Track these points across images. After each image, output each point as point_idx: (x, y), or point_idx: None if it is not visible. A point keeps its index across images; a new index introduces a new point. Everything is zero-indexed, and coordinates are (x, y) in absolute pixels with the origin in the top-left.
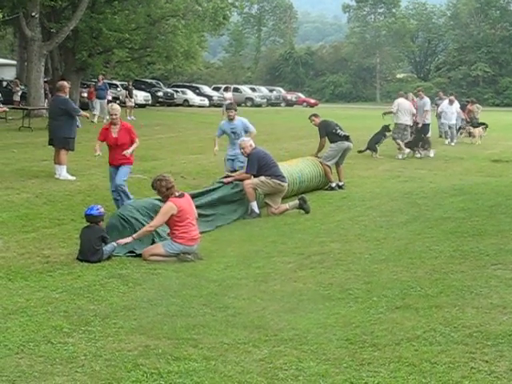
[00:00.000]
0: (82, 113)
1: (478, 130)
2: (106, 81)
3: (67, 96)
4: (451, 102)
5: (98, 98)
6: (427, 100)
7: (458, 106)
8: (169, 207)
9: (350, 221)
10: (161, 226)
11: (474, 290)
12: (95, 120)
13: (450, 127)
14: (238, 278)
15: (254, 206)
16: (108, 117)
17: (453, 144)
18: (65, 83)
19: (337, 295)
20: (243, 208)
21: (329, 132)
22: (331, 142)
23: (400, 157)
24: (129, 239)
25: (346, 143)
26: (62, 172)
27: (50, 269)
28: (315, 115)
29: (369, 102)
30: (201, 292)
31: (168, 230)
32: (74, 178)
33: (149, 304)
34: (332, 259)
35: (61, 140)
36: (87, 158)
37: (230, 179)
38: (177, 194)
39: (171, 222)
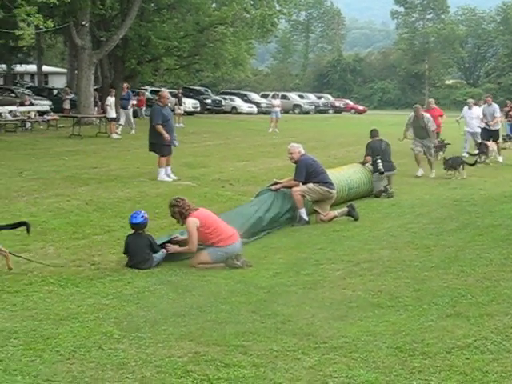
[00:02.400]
0: (157, 126)
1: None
2: (149, 87)
3: (164, 105)
4: (470, 107)
5: (122, 107)
6: (496, 106)
7: (480, 111)
8: (192, 223)
9: (399, 228)
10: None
11: None
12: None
13: (471, 134)
14: (286, 284)
15: (303, 212)
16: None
17: (465, 154)
18: (162, 93)
19: (386, 303)
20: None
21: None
22: (373, 171)
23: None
24: (176, 248)
25: (382, 181)
26: (159, 174)
27: (100, 275)
28: (372, 135)
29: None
30: (250, 299)
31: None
32: (170, 179)
33: (198, 311)
34: (381, 266)
35: (150, 145)
36: (136, 165)
37: (278, 186)
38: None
39: (202, 236)
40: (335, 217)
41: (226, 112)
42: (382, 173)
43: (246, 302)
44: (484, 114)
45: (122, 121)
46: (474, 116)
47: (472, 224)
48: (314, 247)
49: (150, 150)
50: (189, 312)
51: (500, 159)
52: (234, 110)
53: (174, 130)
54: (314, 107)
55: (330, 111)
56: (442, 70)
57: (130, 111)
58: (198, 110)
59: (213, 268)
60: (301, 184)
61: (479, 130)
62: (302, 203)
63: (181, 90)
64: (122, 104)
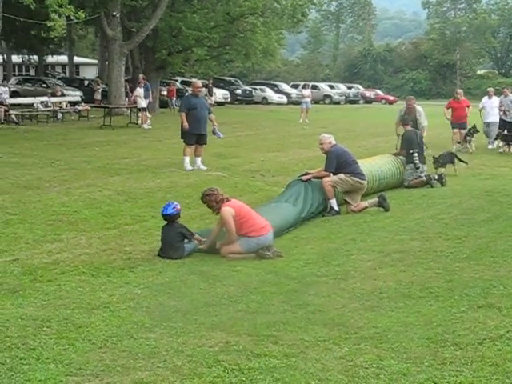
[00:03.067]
0: (180, 114)
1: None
2: (179, 78)
3: (195, 94)
4: (490, 96)
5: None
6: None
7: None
8: (227, 212)
9: (430, 219)
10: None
11: None
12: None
13: (488, 125)
14: (317, 275)
15: (334, 203)
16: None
17: (490, 147)
18: (193, 82)
19: (417, 293)
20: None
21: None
22: (407, 162)
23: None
24: (205, 240)
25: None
26: (183, 162)
27: (131, 265)
28: (404, 123)
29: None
30: (280, 289)
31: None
32: (191, 168)
33: (229, 301)
34: (412, 257)
35: (181, 133)
36: (167, 155)
37: (308, 176)
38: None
39: (236, 225)
40: (366, 207)
41: (256, 102)
42: (417, 167)
43: (276, 292)
44: (501, 105)
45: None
46: (494, 105)
47: (504, 215)
48: (345, 238)
49: (181, 138)
50: (219, 302)
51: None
52: (265, 101)
53: (206, 121)
54: (344, 97)
55: (361, 101)
56: (474, 60)
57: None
58: (229, 100)
59: (243, 258)
60: (331, 174)
61: (495, 120)
62: (332, 194)
63: (211, 81)
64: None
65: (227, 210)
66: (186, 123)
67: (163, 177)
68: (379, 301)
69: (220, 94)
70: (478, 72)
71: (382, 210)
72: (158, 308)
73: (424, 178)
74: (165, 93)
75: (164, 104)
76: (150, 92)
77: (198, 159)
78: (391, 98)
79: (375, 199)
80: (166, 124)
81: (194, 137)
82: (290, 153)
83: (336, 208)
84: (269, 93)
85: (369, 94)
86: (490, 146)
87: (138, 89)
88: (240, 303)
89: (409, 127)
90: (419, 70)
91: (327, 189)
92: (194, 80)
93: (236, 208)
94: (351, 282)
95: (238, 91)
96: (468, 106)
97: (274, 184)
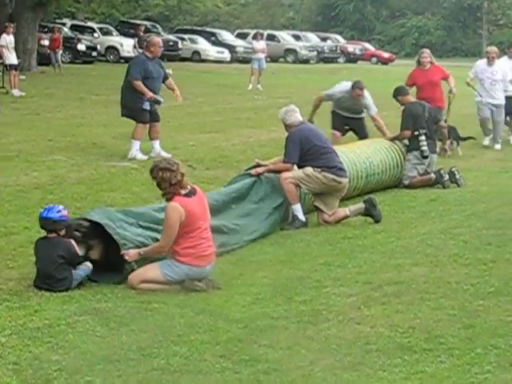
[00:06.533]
0: (136, 83)
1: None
2: (68, 21)
3: (153, 56)
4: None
5: None
6: None
7: None
8: (173, 211)
9: (441, 234)
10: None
11: None
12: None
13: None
14: (272, 317)
15: (298, 210)
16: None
17: (497, 146)
18: (151, 38)
19: (422, 345)
20: (278, 214)
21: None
22: (409, 148)
23: None
24: (134, 255)
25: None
26: (132, 148)
27: None
28: (402, 92)
29: (471, 57)
30: (217, 337)
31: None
32: (145, 157)
33: (140, 354)
34: (414, 291)
35: (123, 109)
36: (49, 136)
37: (260, 169)
38: (184, 191)
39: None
40: (346, 217)
41: (183, 59)
42: (425, 156)
43: (211, 341)
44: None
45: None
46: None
47: None
48: (315, 262)
49: (123, 115)
50: (125, 356)
51: None
52: (197, 57)
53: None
54: (315, 53)
55: (341, 59)
56: (509, 1)
57: None
58: None
59: (162, 290)
60: (294, 168)
61: None
62: (295, 196)
63: (143, 28)
64: None
65: (175, 208)
66: (150, 94)
67: (42, 168)
68: (365, 355)
69: (128, 45)
70: None
71: (370, 220)
72: (32, 365)
73: (433, 175)
74: (46, 43)
75: (45, 60)
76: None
77: (156, 142)
78: (386, 54)
79: (360, 205)
80: (47, 90)
81: (148, 114)
82: (234, 134)
83: (302, 217)
84: (203, 45)
85: (353, 48)
86: (497, 146)
87: (3, 36)
88: (156, 358)
89: (411, 98)
90: (427, 15)
91: (287, 189)
92: (151, 36)
93: (188, 210)
94: (323, 328)
95: None
96: (445, 78)
97: (210, 180)
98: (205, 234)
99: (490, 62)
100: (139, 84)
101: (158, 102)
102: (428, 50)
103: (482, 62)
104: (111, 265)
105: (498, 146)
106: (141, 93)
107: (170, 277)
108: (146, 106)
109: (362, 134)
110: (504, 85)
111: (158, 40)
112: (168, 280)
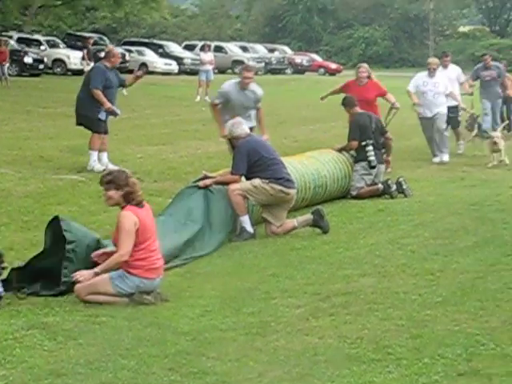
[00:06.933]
0: (95, 92)
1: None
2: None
3: (112, 67)
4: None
5: None
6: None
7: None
8: (130, 218)
9: (389, 244)
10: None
11: None
12: None
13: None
14: (221, 329)
15: (246, 222)
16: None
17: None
18: (111, 49)
19: (369, 355)
20: (227, 227)
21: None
22: (356, 159)
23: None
24: (88, 275)
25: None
26: (91, 159)
27: None
28: (349, 104)
29: (418, 67)
30: (165, 350)
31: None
32: (102, 168)
33: (87, 368)
34: (362, 302)
35: (78, 117)
36: None
37: (208, 182)
38: (135, 202)
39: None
40: (294, 228)
41: (130, 71)
42: (373, 166)
43: (159, 354)
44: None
45: None
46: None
47: (497, 239)
48: (263, 273)
49: (79, 124)
50: (73, 370)
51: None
52: (144, 68)
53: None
54: (263, 65)
55: (288, 71)
56: (454, 12)
57: None
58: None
59: (111, 303)
60: (242, 179)
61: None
62: (243, 208)
63: (91, 41)
64: None
65: (130, 217)
66: (108, 104)
67: None
68: (313, 366)
69: (76, 57)
70: (461, 29)
71: (318, 231)
72: None
73: (380, 186)
74: None
75: None
76: None
77: (104, 155)
78: (333, 65)
79: (308, 216)
80: None
81: (105, 124)
82: (182, 146)
83: (250, 229)
84: (150, 57)
85: (300, 59)
86: (445, 157)
87: None
88: (104, 372)
89: (358, 109)
90: (375, 26)
91: (235, 201)
92: (110, 46)
93: (140, 219)
94: (272, 339)
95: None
96: (381, 95)
97: (158, 193)
98: (153, 246)
99: (432, 73)
100: (99, 93)
101: (115, 114)
102: (366, 65)
103: (422, 75)
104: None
105: (445, 158)
106: (99, 102)
107: (120, 289)
108: (103, 116)
109: None
110: (447, 96)
111: (118, 51)
112: (118, 292)
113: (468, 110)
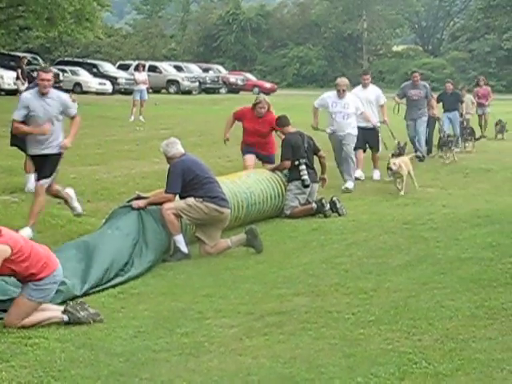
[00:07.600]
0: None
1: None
2: None
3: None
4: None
5: None
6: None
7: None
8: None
9: (322, 264)
10: None
11: (506, 366)
12: None
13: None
14: (154, 350)
15: (179, 241)
16: None
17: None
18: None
19: (303, 375)
20: (161, 248)
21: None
22: (290, 178)
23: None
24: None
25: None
26: (28, 182)
27: None
28: (282, 123)
29: (352, 86)
30: (98, 372)
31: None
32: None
33: None
34: (296, 321)
35: (12, 138)
36: None
37: (141, 203)
38: None
39: (17, 268)
40: (228, 248)
41: (65, 90)
42: (306, 185)
43: (92, 376)
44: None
45: None
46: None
47: (430, 257)
48: (196, 293)
49: (13, 145)
50: None
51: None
52: (78, 88)
53: None
54: (197, 84)
55: (223, 90)
56: (388, 31)
57: None
58: (24, 87)
59: (41, 324)
60: (176, 198)
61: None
62: (177, 227)
63: (25, 61)
64: None
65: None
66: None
67: None
68: None
69: (9, 77)
70: (395, 48)
71: (252, 250)
72: None
73: (314, 205)
74: None
75: None
76: None
77: (32, 176)
78: (267, 84)
79: (242, 235)
80: None
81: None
82: (116, 166)
83: (183, 249)
84: (84, 76)
85: (235, 79)
86: (349, 184)
87: None
88: None
89: (290, 128)
90: (309, 45)
91: (169, 219)
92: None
93: (12, 242)
94: (205, 360)
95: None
96: (275, 129)
97: (92, 213)
98: (35, 246)
99: (341, 95)
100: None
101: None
102: (265, 98)
103: (331, 94)
104: None
105: (350, 185)
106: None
107: (41, 298)
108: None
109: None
110: (359, 116)
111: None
112: (43, 301)
113: (397, 141)
